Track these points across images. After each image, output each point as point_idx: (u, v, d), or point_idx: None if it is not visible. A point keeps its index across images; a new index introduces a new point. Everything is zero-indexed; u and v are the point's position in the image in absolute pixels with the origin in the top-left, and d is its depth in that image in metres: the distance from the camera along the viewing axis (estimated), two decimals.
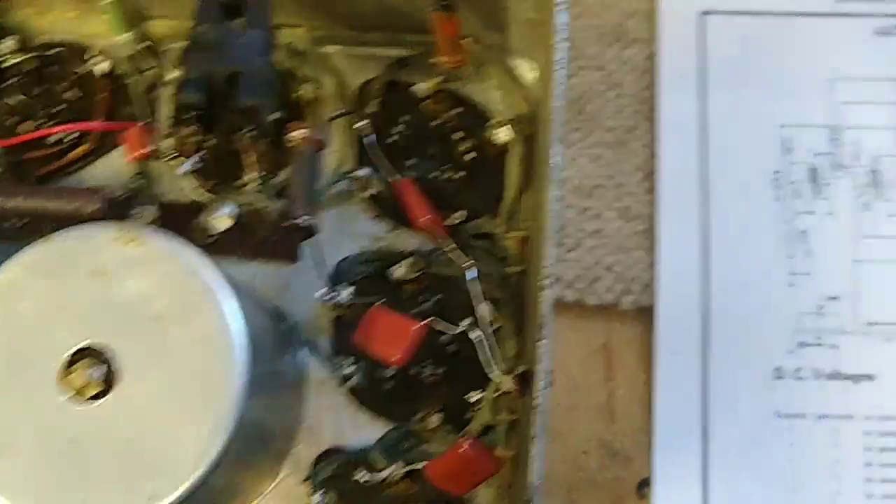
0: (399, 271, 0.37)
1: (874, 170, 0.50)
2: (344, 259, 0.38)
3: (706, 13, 0.52)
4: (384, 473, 0.34)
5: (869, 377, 0.48)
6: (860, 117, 0.51)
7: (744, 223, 0.50)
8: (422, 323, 0.34)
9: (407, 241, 0.38)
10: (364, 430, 0.36)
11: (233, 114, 0.34)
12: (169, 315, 0.30)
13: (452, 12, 0.35)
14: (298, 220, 0.32)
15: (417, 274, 0.37)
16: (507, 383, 0.35)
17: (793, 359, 0.48)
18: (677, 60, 0.52)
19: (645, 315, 0.49)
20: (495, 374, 0.35)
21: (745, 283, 0.49)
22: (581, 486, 0.48)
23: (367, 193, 0.38)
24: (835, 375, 0.48)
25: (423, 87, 0.39)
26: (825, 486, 0.47)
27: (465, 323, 0.36)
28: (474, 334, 0.35)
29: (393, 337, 0.34)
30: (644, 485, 0.48)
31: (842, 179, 0.50)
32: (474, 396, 0.36)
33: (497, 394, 0.35)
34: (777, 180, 0.50)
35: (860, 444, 0.48)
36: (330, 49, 0.40)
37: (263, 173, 0.36)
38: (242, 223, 0.36)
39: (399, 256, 0.37)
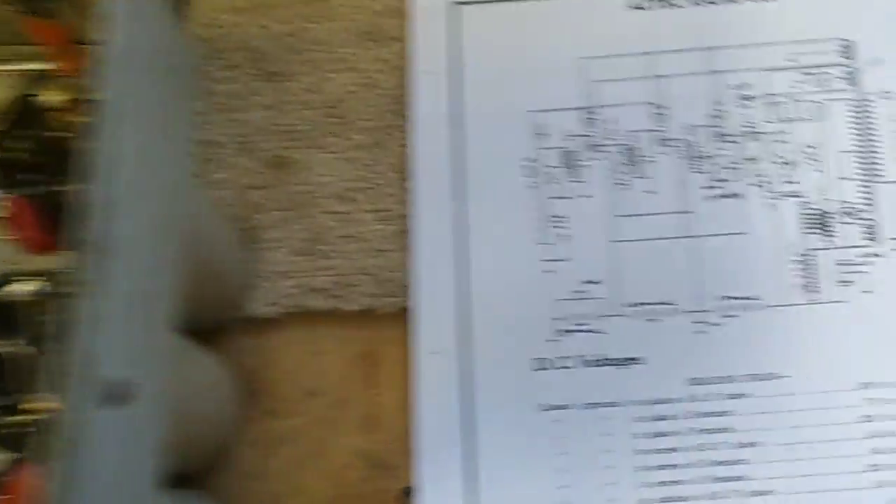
0: (14, 292, 0.35)
1: (630, 147, 0.48)
2: None
3: (459, 3, 0.51)
4: None
5: (635, 360, 0.46)
6: (614, 95, 0.49)
7: (499, 214, 0.48)
8: None
9: (43, 262, 0.36)
10: None
11: None
12: None
13: (45, 18, 0.33)
14: None
15: (40, 295, 0.35)
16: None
17: (555, 348, 0.46)
18: (431, 55, 0.50)
19: (406, 318, 0.47)
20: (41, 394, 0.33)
21: (503, 275, 0.47)
22: (345, 502, 0.46)
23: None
24: (599, 361, 0.46)
25: (51, 98, 0.37)
26: (597, 478, 0.45)
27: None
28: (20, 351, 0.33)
29: None
30: (408, 493, 0.45)
31: (597, 160, 0.48)
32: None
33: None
34: (531, 167, 0.48)
35: (630, 432, 0.45)
36: None
37: None
38: None
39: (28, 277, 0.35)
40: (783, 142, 0.47)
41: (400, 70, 0.50)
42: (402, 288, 0.47)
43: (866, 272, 0.46)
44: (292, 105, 0.50)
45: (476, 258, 0.47)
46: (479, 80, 0.50)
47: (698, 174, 0.47)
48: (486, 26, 0.50)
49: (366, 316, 0.48)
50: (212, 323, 0.46)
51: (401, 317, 0.47)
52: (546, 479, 0.45)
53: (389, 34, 0.51)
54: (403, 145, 0.49)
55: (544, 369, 0.46)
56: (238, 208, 0.49)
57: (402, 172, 0.49)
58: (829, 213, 0.47)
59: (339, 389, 0.47)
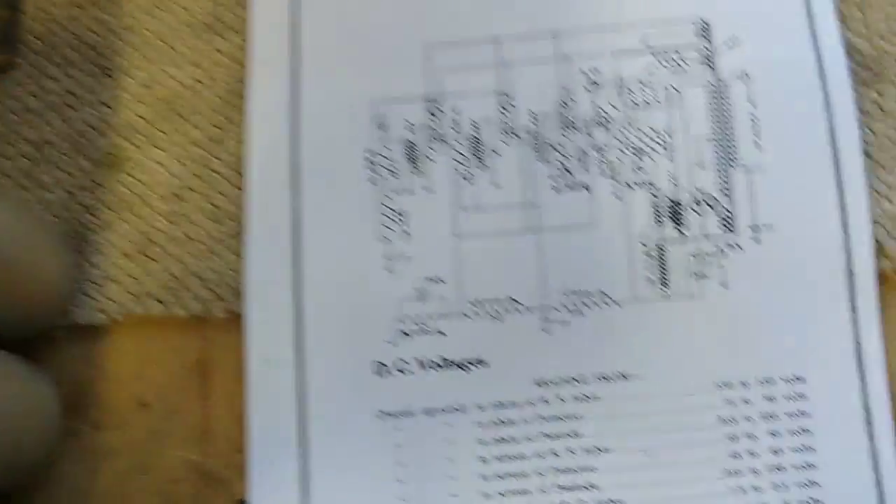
0: None
1: (476, 137, 0.45)
2: None
3: None
4: None
5: (480, 362, 0.43)
6: (460, 84, 0.46)
7: (338, 211, 0.45)
8: None
9: None
10: None
11: None
12: None
13: None
14: None
15: None
16: None
17: (395, 351, 0.43)
18: (270, 44, 0.48)
19: (240, 323, 0.44)
20: None
21: (342, 275, 0.44)
22: None
23: None
24: (442, 364, 0.43)
25: None
26: (439, 489, 0.42)
27: None
28: None
29: None
30: None
31: (441, 152, 0.45)
32: None
33: None
34: (372, 161, 0.45)
35: (474, 438, 0.42)
36: None
37: None
38: None
39: None
40: (634, 129, 0.45)
41: (240, 63, 0.47)
42: (235, 292, 0.44)
43: (723, 265, 0.43)
44: (127, 101, 0.47)
45: (313, 258, 0.44)
46: (319, 70, 0.47)
47: (544, 165, 0.44)
48: (327, 13, 0.48)
49: (199, 322, 0.45)
50: (30, 331, 0.43)
51: (233, 323, 0.44)
52: (386, 491, 0.43)
53: (231, 26, 0.48)
54: (241, 141, 0.46)
55: (385, 374, 0.43)
56: (67, 210, 0.46)
57: (238, 169, 0.46)
58: (682, 202, 0.44)
59: (171, 400, 0.44)
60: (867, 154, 0.45)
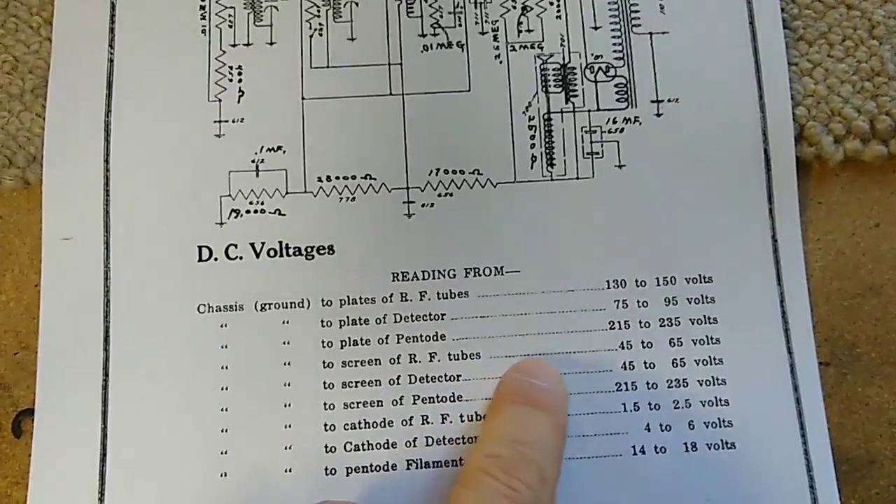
0: None
1: None
2: None
3: None
4: None
5: (326, 249, 0.34)
6: None
7: (161, 66, 0.36)
8: None
9: None
10: None
11: None
12: None
13: None
14: None
15: None
16: None
17: (224, 233, 0.34)
18: None
19: (35, 196, 0.34)
20: None
21: (162, 140, 0.36)
22: None
23: None
24: (280, 250, 0.34)
25: None
26: (271, 398, 0.33)
27: None
28: None
29: None
30: (23, 416, 0.32)
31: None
32: None
33: None
34: (205, 7, 0.35)
35: (317, 339, 0.33)
36: None
37: None
38: None
39: None
40: None
41: None
42: (33, 157, 0.34)
43: (619, 142, 0.34)
44: None
45: (127, 118, 0.35)
46: None
47: (411, 18, 0.35)
48: None
49: None
50: None
51: (30, 195, 0.34)
52: (205, 400, 0.33)
53: None
54: None
55: (211, 259, 0.34)
56: None
57: (45, 16, 0.36)
58: (573, 68, 0.35)
59: None
60: (788, 27, 0.36)
